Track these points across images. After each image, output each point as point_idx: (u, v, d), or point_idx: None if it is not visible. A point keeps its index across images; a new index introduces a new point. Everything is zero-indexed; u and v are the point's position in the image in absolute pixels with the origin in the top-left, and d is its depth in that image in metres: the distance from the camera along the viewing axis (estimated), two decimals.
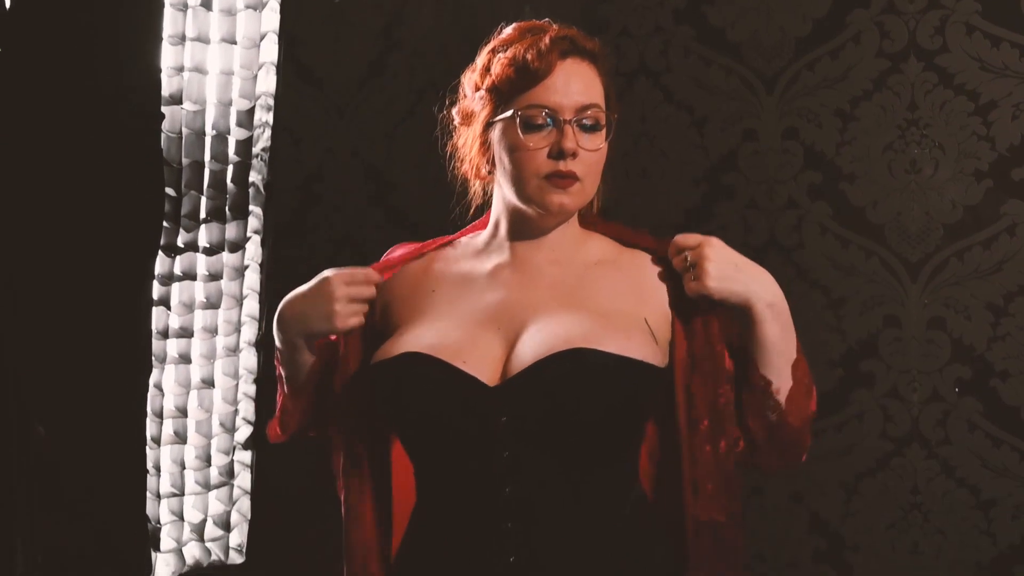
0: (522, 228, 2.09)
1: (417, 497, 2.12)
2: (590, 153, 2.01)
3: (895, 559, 2.88)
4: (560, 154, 1.98)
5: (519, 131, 1.99)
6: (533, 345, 1.98)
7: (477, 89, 2.07)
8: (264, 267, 3.16)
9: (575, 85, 2.01)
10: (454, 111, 2.13)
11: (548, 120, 1.99)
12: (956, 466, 2.83)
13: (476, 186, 2.16)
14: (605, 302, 2.04)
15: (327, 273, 2.08)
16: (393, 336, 2.07)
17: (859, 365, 2.91)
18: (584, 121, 2.01)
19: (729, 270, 1.96)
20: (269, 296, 3.19)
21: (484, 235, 2.15)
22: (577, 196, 2.03)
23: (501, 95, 2.03)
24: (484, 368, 1.99)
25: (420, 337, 2.03)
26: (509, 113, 2.00)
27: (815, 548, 2.97)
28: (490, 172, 2.09)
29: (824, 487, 2.96)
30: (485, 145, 2.06)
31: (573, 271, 2.09)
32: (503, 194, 2.09)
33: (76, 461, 3.83)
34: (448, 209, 2.20)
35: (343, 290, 2.06)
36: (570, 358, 1.95)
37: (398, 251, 2.23)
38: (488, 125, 2.05)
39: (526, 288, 2.07)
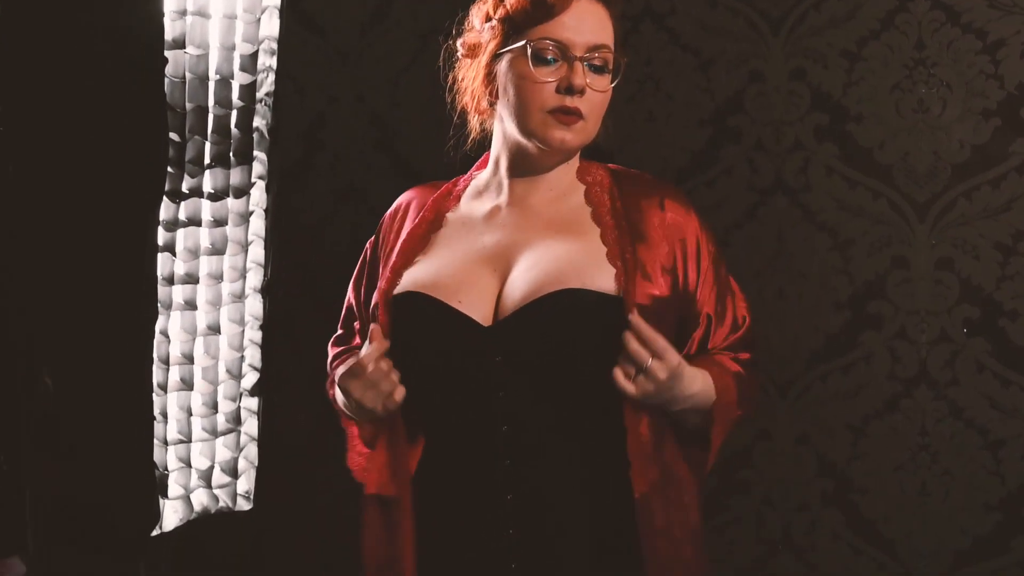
0: (522, 165, 2.09)
1: (424, 436, 2.13)
2: (597, 93, 2.03)
3: (903, 501, 2.88)
4: (569, 89, 1.99)
5: (529, 62, 2.00)
6: (524, 284, 2.01)
7: (487, 20, 2.07)
8: (269, 213, 3.15)
9: (588, 24, 2.02)
10: (459, 42, 2.13)
11: (559, 55, 2.00)
12: (964, 407, 2.83)
13: (474, 120, 2.16)
14: (599, 236, 2.05)
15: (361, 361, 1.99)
16: (402, 275, 2.09)
17: (867, 307, 2.90)
18: (594, 61, 2.02)
19: (664, 394, 1.94)
20: (274, 242, 3.19)
21: (484, 175, 2.16)
22: (579, 134, 2.04)
23: (514, 26, 2.03)
24: (479, 308, 2.01)
25: (418, 277, 2.06)
26: (521, 43, 2.01)
27: (823, 491, 2.97)
28: (491, 105, 2.09)
29: (832, 430, 2.95)
30: (489, 77, 2.07)
31: (570, 209, 2.10)
32: (504, 129, 2.09)
33: (83, 410, 3.83)
34: (445, 147, 2.19)
35: (378, 372, 1.98)
36: (560, 297, 1.97)
37: (407, 196, 2.23)
38: (496, 56, 2.05)
39: (522, 228, 2.08)
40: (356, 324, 2.27)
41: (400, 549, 2.07)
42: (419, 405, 2.07)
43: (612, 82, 2.04)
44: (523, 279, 2.01)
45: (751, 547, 3.05)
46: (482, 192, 2.15)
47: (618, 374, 1.90)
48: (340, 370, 2.03)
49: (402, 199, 2.24)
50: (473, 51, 2.10)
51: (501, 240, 2.07)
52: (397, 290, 2.06)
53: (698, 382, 1.99)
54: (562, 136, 2.02)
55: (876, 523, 2.92)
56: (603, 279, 1.99)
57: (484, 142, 2.16)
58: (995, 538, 2.80)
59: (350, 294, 2.28)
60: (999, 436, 2.79)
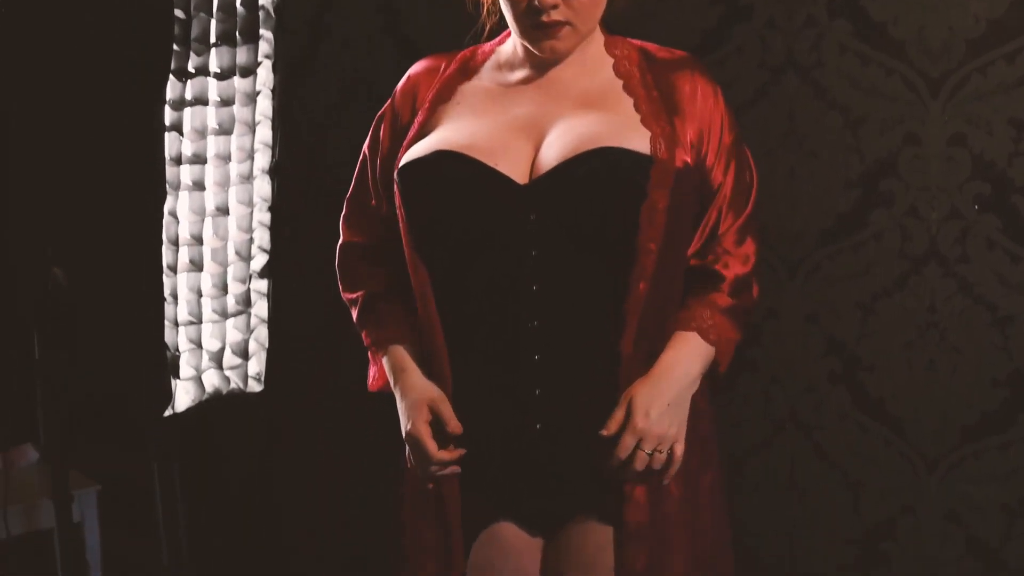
0: (537, 55, 2.10)
1: (437, 308, 2.12)
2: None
3: (911, 378, 2.89)
4: (535, 9, 2.00)
5: None
6: (560, 145, 2.02)
7: None
8: (276, 93, 3.13)
9: None
10: None
11: None
12: (973, 283, 2.82)
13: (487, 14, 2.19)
14: (631, 105, 2.06)
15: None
16: (421, 141, 2.10)
17: (878, 184, 2.88)
18: None
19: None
20: (282, 123, 3.17)
21: (507, 51, 2.16)
22: (568, 39, 2.06)
23: None
24: (515, 168, 2.03)
25: (451, 139, 2.07)
26: None
27: (830, 370, 2.98)
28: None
29: (840, 308, 2.95)
30: None
31: (601, 81, 2.11)
32: None
33: (94, 294, 3.85)
34: (462, 38, 2.20)
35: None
36: (596, 156, 1.99)
37: (421, 64, 2.22)
38: None
39: (554, 99, 2.09)
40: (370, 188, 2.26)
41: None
42: (448, 265, 2.09)
43: None
44: (559, 142, 2.02)
45: (758, 425, 3.07)
46: (505, 65, 2.16)
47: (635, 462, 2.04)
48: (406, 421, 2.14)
49: (415, 69, 2.23)
50: None
51: (533, 111, 2.09)
52: (425, 151, 2.07)
53: (694, 367, 2.10)
54: (550, 44, 2.04)
55: (884, 401, 2.93)
56: (639, 141, 2.01)
57: (502, 25, 2.15)
58: (1002, 414, 2.81)
59: (366, 157, 2.27)
60: (1008, 312, 2.79)
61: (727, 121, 2.12)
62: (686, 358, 2.09)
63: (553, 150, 2.02)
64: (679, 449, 2.05)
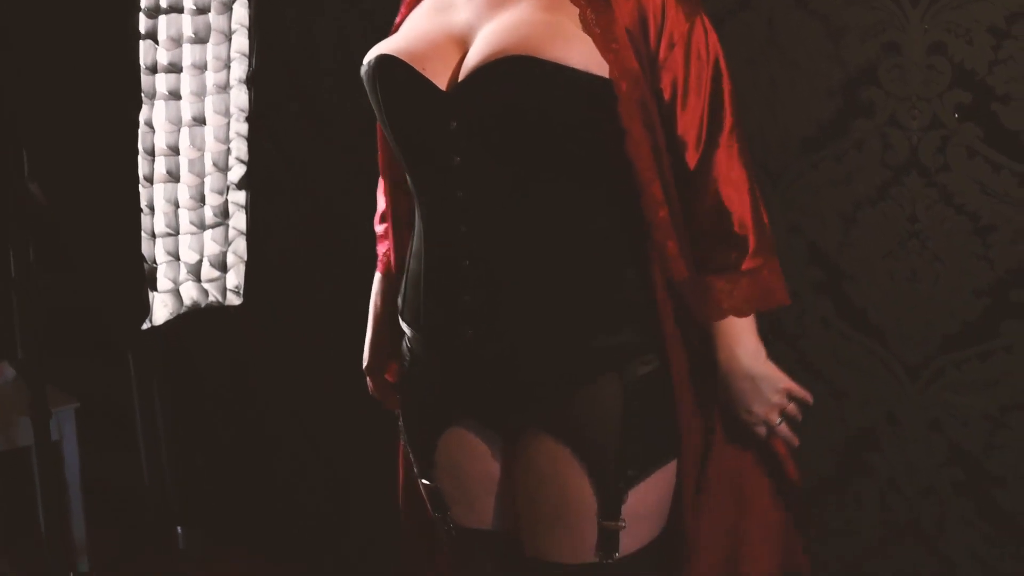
0: None
1: (414, 214, 2.24)
2: None
3: (893, 287, 2.88)
4: None
5: None
6: (479, 52, 2.02)
7: None
8: (252, 1, 3.10)
9: None
10: None
11: None
12: (955, 192, 2.81)
13: None
14: (558, 15, 2.02)
15: None
16: (382, 42, 2.17)
17: (858, 93, 2.87)
18: None
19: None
20: (258, 31, 3.13)
21: None
22: None
23: None
24: (440, 74, 2.05)
25: (394, 43, 2.12)
26: None
27: (812, 280, 2.98)
28: None
29: (822, 218, 2.94)
30: None
31: None
32: None
33: (69, 207, 3.82)
34: None
35: None
36: (508, 64, 1.97)
37: None
38: None
39: (493, 5, 2.08)
40: None
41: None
42: (405, 171, 2.19)
43: None
44: (481, 45, 2.03)
45: None
46: None
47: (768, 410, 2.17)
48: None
49: None
50: None
51: (470, 17, 2.10)
52: (372, 54, 2.14)
53: (747, 345, 2.16)
54: None
55: (866, 311, 2.93)
56: (553, 49, 1.97)
57: None
58: (984, 323, 2.81)
59: None
60: (989, 221, 2.78)
61: (672, 10, 2.05)
62: (732, 345, 2.15)
63: (474, 56, 2.03)
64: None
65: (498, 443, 2.21)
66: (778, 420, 2.16)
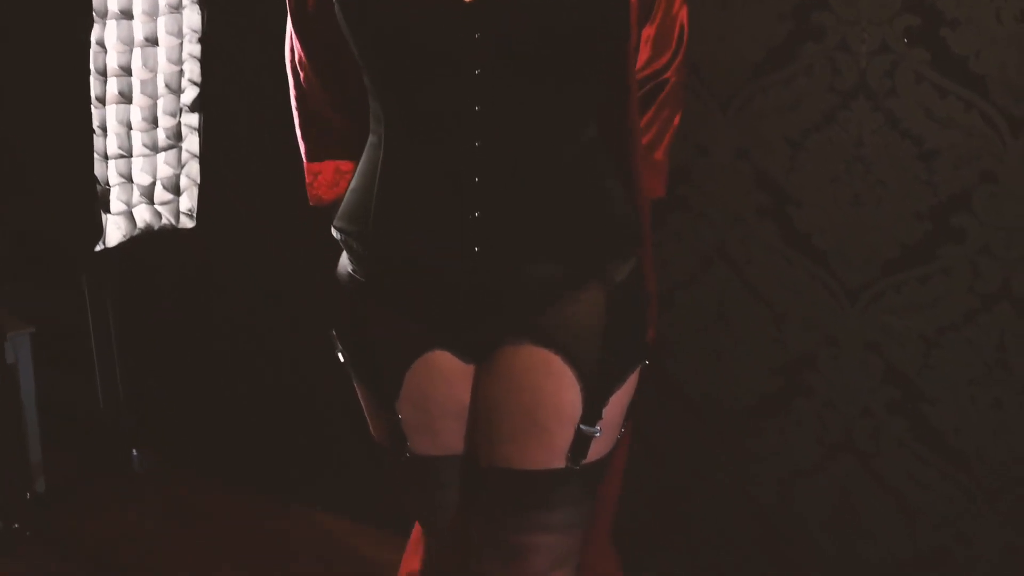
0: None
1: (384, 130, 2.13)
2: None
3: (836, 211, 2.92)
4: None
5: None
6: None
7: None
8: None
9: None
10: None
11: None
12: (901, 117, 2.84)
13: None
14: None
15: None
16: None
17: (810, 17, 2.88)
18: None
19: None
20: None
21: None
22: None
23: None
24: None
25: None
26: None
27: (758, 204, 3.01)
28: None
29: (770, 143, 2.97)
30: None
31: None
32: None
33: (19, 128, 3.79)
34: None
35: None
36: None
37: None
38: None
39: None
40: None
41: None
42: (388, 82, 2.07)
43: None
44: None
45: (686, 260, 3.11)
46: None
47: None
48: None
49: None
50: None
51: None
52: None
53: None
54: None
55: (811, 236, 2.97)
56: None
57: None
58: (923, 247, 2.85)
59: None
60: (934, 146, 2.82)
61: None
62: None
63: None
64: None
65: (470, 366, 2.21)
66: None
